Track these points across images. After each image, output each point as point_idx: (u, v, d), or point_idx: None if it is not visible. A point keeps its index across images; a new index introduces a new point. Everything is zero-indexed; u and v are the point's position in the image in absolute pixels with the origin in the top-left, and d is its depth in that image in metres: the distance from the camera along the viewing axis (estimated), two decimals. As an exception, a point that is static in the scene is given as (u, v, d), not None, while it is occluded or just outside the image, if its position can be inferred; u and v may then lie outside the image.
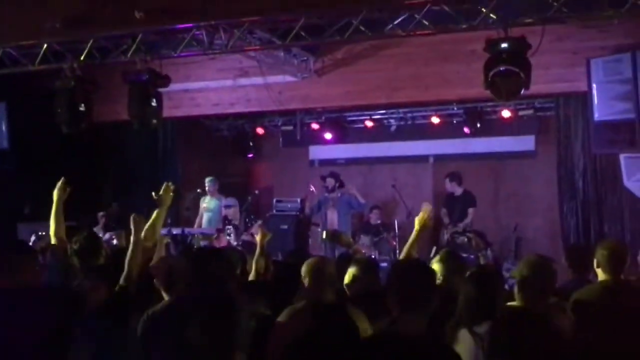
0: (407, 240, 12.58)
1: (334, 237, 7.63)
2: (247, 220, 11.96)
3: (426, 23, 7.47)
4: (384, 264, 10.12)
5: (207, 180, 12.20)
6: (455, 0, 7.14)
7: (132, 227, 5.19)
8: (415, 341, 3.38)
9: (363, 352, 3.35)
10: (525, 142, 13.08)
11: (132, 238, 5.12)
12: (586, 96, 9.51)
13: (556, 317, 4.33)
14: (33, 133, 11.08)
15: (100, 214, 11.95)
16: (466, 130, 12.65)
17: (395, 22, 7.74)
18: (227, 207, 11.94)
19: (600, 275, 4.87)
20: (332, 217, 12.11)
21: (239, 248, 10.33)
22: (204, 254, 5.56)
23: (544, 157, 12.65)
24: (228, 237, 11.27)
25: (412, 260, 5.29)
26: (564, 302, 4.80)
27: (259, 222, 11.76)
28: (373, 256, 10.88)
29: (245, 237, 11.45)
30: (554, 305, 4.58)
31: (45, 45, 8.62)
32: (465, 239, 10.33)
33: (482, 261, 7.01)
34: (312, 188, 12.67)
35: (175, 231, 11.50)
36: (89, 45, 8.48)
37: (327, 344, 3.24)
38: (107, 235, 10.32)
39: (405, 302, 3.59)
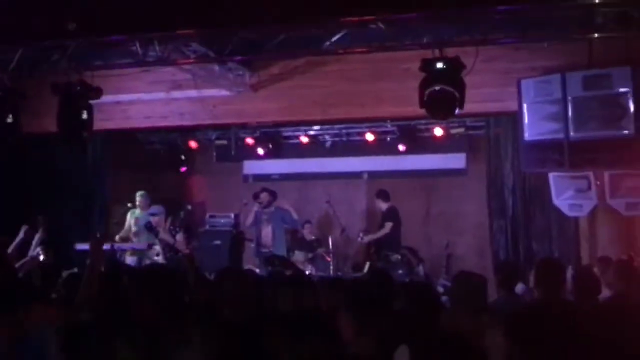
0: (341, 256, 12.72)
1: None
2: (171, 228, 11.75)
3: (363, 41, 7.51)
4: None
5: (138, 194, 11.95)
6: (391, 20, 7.17)
7: (90, 251, 5.03)
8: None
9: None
10: (456, 160, 13.29)
11: (88, 263, 4.95)
12: (516, 116, 9.70)
13: (490, 334, 4.36)
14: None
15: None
16: (400, 147, 12.76)
17: (333, 39, 7.76)
18: (153, 214, 11.71)
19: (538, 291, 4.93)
20: (267, 232, 12.04)
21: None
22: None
23: (474, 175, 12.87)
24: (156, 257, 11.07)
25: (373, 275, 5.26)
26: (495, 320, 4.85)
27: (181, 232, 11.60)
28: (308, 272, 10.84)
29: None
30: (486, 322, 4.62)
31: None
32: (399, 257, 10.40)
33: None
34: (246, 202, 12.58)
35: (104, 246, 11.23)
36: (17, 55, 8.20)
37: None
38: (36, 250, 10.00)
39: (361, 324, 3.58)
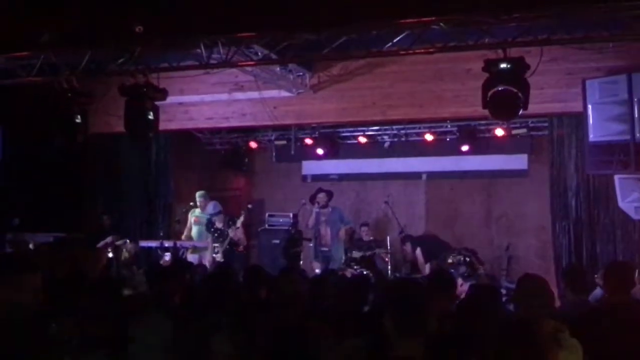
0: (399, 257, 12.70)
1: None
2: (229, 222, 11.93)
3: (425, 42, 7.50)
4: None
5: (198, 194, 12.17)
6: (454, 21, 7.14)
7: None
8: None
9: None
10: (518, 161, 13.12)
11: None
12: (580, 116, 9.56)
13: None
14: (26, 144, 11.01)
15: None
16: (460, 148, 12.66)
17: (394, 40, 7.77)
18: (214, 215, 11.93)
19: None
20: (326, 232, 12.09)
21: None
22: None
23: (536, 176, 12.69)
24: (215, 255, 11.29)
25: (406, 282, 5.25)
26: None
27: (238, 225, 11.73)
28: (366, 273, 10.82)
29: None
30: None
31: (41, 57, 8.57)
32: (461, 258, 10.31)
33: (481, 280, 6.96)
34: (304, 202, 12.66)
35: (167, 244, 11.47)
36: (86, 58, 8.42)
37: None
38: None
39: (401, 325, 3.57)
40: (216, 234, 11.71)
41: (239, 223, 11.72)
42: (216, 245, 11.64)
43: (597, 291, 6.74)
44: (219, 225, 11.78)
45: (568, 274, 5.91)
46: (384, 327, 3.82)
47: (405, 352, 3.51)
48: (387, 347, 3.69)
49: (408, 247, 12.12)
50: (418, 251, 11.95)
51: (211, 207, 12.16)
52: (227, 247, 11.55)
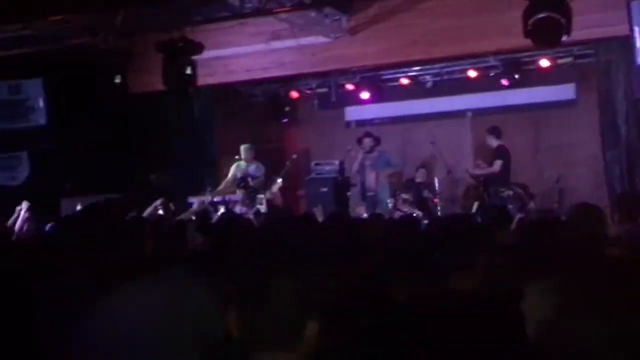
0: (448, 198, 12.59)
1: None
2: (268, 183, 11.82)
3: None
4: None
5: (242, 147, 12.14)
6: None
7: None
8: (471, 297, 3.33)
9: (411, 313, 3.31)
10: (565, 91, 12.84)
11: None
12: (627, 40, 9.25)
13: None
14: (70, 108, 11.14)
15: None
16: (504, 82, 12.41)
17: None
18: (253, 177, 11.80)
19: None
20: (371, 177, 12.04)
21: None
22: None
23: (585, 105, 12.39)
24: (260, 206, 11.18)
25: (457, 216, 5.21)
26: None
27: (279, 180, 11.64)
28: (415, 214, 10.79)
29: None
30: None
31: (77, 20, 8.60)
32: (510, 192, 10.18)
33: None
34: (350, 148, 12.59)
35: (217, 199, 11.55)
36: (120, 16, 8.42)
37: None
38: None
39: (454, 258, 3.54)
40: (248, 192, 11.54)
41: (275, 188, 11.51)
42: (260, 196, 11.50)
43: None
44: (252, 183, 11.66)
45: (621, 201, 5.78)
46: (435, 263, 3.80)
47: (458, 286, 3.49)
48: (443, 280, 3.67)
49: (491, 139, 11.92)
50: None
51: (254, 167, 12.01)
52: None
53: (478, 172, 11.64)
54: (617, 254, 4.48)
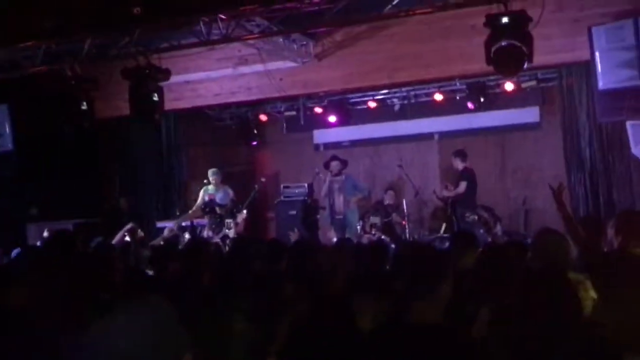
0: (416, 219, 12.62)
1: None
2: (234, 210, 11.70)
3: (424, 2, 7.42)
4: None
5: (210, 171, 12.12)
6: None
7: None
8: (431, 329, 3.37)
9: (372, 342, 3.34)
10: (529, 114, 13.03)
11: None
12: (589, 65, 9.42)
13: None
14: (36, 133, 11.07)
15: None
16: (470, 105, 12.57)
17: (394, 2, 7.69)
18: (219, 206, 11.61)
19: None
20: (340, 200, 12.09)
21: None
22: None
23: (549, 128, 12.60)
24: (228, 231, 11.13)
25: (420, 245, 5.26)
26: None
27: (244, 212, 11.57)
28: (383, 239, 10.86)
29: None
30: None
31: (43, 47, 8.58)
32: (476, 217, 10.29)
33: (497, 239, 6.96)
34: (318, 171, 12.63)
35: (184, 223, 11.51)
36: (87, 44, 8.41)
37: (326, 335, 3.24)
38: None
39: (414, 289, 3.59)
40: (215, 217, 11.39)
41: (239, 218, 11.34)
42: (229, 220, 11.43)
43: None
44: (219, 211, 11.54)
45: (582, 224, 5.87)
46: (398, 291, 3.84)
47: (419, 317, 3.52)
48: (402, 311, 3.71)
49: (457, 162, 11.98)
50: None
51: (221, 193, 11.89)
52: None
53: (446, 194, 11.75)
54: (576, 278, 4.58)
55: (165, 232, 10.52)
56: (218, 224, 11.21)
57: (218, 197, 11.66)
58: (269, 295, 3.95)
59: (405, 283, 3.74)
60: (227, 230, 11.11)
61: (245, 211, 11.36)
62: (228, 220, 11.12)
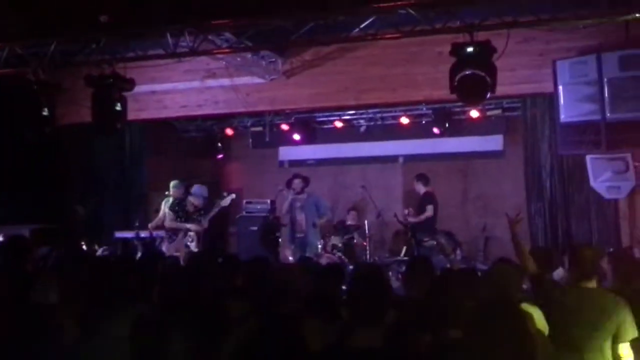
0: (377, 241, 12.62)
1: None
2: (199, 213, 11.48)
3: (393, 26, 7.47)
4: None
5: (171, 184, 11.95)
6: (421, 5, 7.10)
7: None
8: (372, 354, 3.37)
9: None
10: (493, 142, 13.16)
11: None
12: (552, 97, 9.55)
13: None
14: (-3, 137, 10.93)
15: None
16: (435, 130, 12.67)
17: (362, 25, 7.73)
18: (192, 195, 11.34)
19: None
20: (301, 218, 12.05)
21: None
22: None
23: (512, 156, 12.72)
24: (190, 243, 10.95)
25: (369, 270, 5.23)
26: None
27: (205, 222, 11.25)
28: (341, 260, 10.84)
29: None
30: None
31: (6, 49, 8.46)
32: (434, 242, 10.35)
33: (453, 265, 6.98)
34: (281, 188, 12.59)
35: (143, 234, 11.38)
36: (51, 48, 8.32)
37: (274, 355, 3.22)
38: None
39: (358, 315, 3.59)
40: (182, 218, 11.13)
41: (203, 222, 11.09)
42: (189, 225, 11.26)
43: (560, 270, 6.78)
44: (190, 208, 11.29)
45: (532, 254, 5.93)
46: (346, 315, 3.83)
47: (362, 342, 3.52)
48: (347, 336, 3.70)
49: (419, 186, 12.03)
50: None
51: (197, 189, 11.55)
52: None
53: (412, 220, 11.72)
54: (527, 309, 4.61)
55: None
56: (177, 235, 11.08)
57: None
58: (213, 313, 3.92)
59: (353, 308, 3.74)
60: (189, 243, 11.00)
61: (206, 222, 11.20)
62: (190, 233, 11.00)
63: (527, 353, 3.23)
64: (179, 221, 11.05)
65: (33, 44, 8.51)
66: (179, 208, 11.15)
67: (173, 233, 11.00)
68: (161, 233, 11.53)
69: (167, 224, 11.10)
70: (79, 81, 9.02)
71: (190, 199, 11.26)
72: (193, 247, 10.91)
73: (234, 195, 11.56)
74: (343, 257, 11.32)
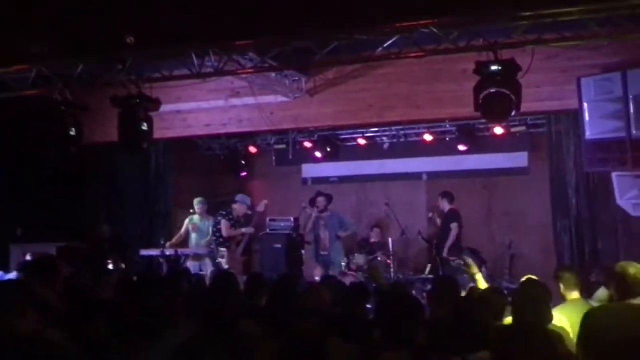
0: (401, 258, 12.57)
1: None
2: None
3: (416, 45, 7.48)
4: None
5: (195, 201, 12.11)
6: (444, 23, 7.11)
7: None
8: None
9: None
10: (518, 159, 13.09)
11: None
12: (577, 113, 9.50)
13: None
14: (24, 155, 11.06)
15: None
16: (461, 147, 12.63)
17: (385, 44, 7.75)
18: (234, 202, 11.70)
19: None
20: (325, 236, 12.05)
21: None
22: None
23: (537, 173, 12.64)
24: (220, 259, 11.10)
25: (399, 293, 5.23)
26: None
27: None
28: (363, 280, 10.79)
29: None
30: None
31: (34, 70, 8.58)
32: (461, 262, 10.25)
33: (480, 284, 6.91)
34: (305, 205, 12.60)
35: (168, 252, 11.45)
36: (78, 69, 8.42)
37: None
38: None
39: (389, 336, 3.58)
40: (221, 239, 11.45)
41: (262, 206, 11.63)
42: (222, 249, 11.43)
43: (601, 291, 6.70)
44: (237, 214, 11.60)
45: (557, 274, 5.88)
46: (374, 338, 3.82)
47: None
48: (375, 357, 3.69)
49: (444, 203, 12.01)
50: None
51: (240, 197, 11.91)
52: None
53: (447, 243, 11.67)
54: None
55: None
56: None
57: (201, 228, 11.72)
58: (238, 336, 3.93)
59: (382, 332, 3.73)
60: (220, 259, 11.11)
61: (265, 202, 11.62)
62: (222, 249, 11.13)
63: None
64: (236, 227, 11.38)
65: (59, 65, 8.61)
66: (230, 217, 11.44)
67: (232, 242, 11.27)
68: (186, 251, 11.64)
69: (227, 233, 11.30)
70: (105, 101, 9.12)
71: (235, 206, 11.55)
72: (224, 263, 11.01)
73: (266, 201, 11.69)
74: (368, 277, 11.27)
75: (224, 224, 11.26)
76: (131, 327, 4.21)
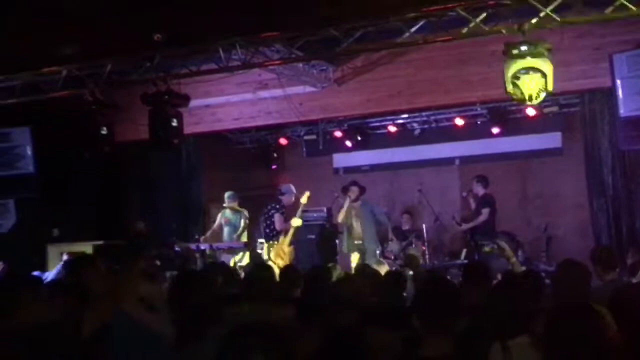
0: (436, 244, 12.47)
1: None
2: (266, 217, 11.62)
3: (442, 29, 7.41)
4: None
5: (226, 195, 12.13)
6: (471, 7, 7.03)
7: None
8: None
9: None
10: (551, 140, 12.92)
11: None
12: (611, 91, 9.35)
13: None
14: (58, 156, 11.19)
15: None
16: (494, 130, 12.49)
17: (412, 30, 7.69)
18: (281, 194, 11.66)
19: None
20: (358, 225, 12.00)
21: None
22: None
23: (571, 154, 12.48)
24: (260, 250, 11.18)
25: (437, 279, 5.17)
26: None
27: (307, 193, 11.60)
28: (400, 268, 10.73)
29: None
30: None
31: (64, 72, 8.67)
32: (495, 246, 10.15)
33: (516, 268, 6.84)
34: (337, 195, 12.56)
35: (203, 246, 11.50)
36: (107, 68, 8.49)
37: None
38: None
39: (430, 324, 3.55)
40: (272, 233, 11.44)
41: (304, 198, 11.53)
42: (262, 242, 11.51)
43: None
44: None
45: (594, 255, 5.79)
46: (414, 326, 3.79)
47: (434, 352, 3.48)
48: (418, 345, 3.67)
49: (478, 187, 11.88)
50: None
51: (285, 187, 11.85)
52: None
53: (467, 226, 11.62)
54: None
55: None
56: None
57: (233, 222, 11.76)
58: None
59: (422, 319, 3.69)
60: (260, 251, 11.17)
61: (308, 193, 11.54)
62: (260, 240, 11.20)
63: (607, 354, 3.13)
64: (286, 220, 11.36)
65: (89, 65, 8.69)
66: (283, 210, 11.41)
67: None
68: (221, 245, 11.68)
69: (280, 226, 11.32)
70: (135, 99, 9.21)
71: (283, 198, 11.55)
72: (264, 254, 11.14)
73: (308, 193, 11.67)
74: (404, 265, 11.22)
75: (277, 218, 11.27)
76: (177, 325, 4.21)
